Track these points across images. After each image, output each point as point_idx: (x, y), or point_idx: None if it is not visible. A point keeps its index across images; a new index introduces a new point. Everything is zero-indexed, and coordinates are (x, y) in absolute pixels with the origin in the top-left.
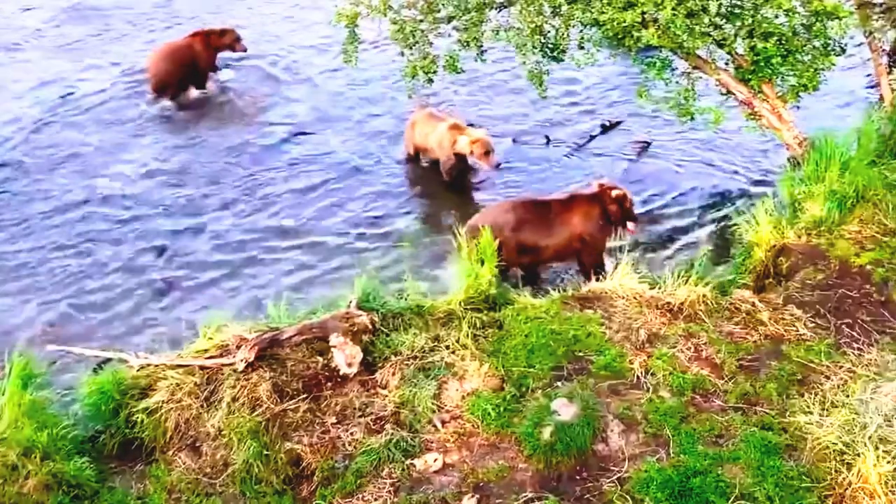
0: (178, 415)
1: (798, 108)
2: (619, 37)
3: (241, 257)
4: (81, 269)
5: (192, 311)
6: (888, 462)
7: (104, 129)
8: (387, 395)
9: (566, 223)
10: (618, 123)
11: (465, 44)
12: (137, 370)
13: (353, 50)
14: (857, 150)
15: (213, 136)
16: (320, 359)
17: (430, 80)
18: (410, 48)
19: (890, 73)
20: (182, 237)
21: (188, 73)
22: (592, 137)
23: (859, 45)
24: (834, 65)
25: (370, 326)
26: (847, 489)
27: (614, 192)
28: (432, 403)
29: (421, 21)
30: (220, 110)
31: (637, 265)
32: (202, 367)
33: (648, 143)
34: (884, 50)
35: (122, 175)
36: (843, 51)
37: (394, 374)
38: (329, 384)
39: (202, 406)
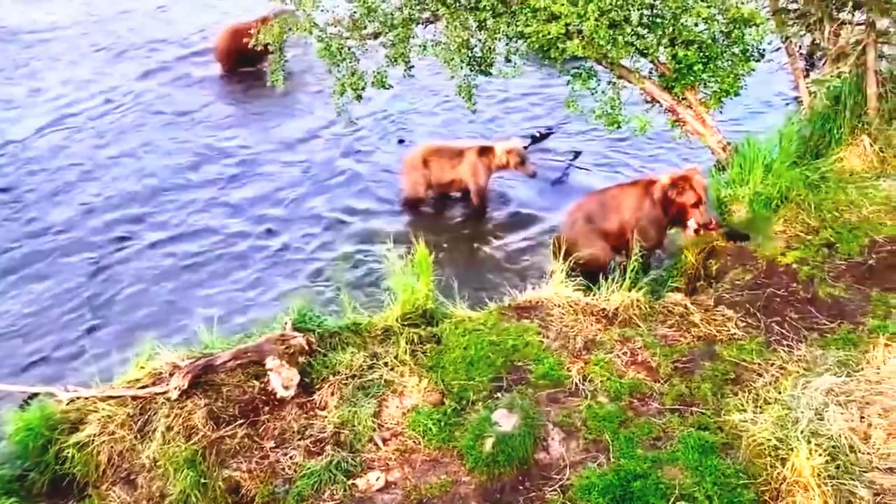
0: (111, 448)
1: (721, 113)
2: (545, 49)
3: (172, 282)
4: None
5: (123, 339)
6: (820, 455)
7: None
8: (326, 416)
9: (616, 209)
10: (548, 134)
11: (392, 60)
12: (66, 404)
13: (281, 71)
14: (779, 152)
15: (144, 160)
16: (257, 383)
17: (359, 97)
18: (338, 66)
19: (807, 76)
20: (111, 263)
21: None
22: (524, 149)
23: (777, 49)
24: (753, 70)
25: (307, 347)
26: (782, 484)
27: (661, 181)
28: (372, 422)
29: (347, 38)
30: (138, 130)
31: (572, 272)
32: (134, 398)
33: (579, 153)
34: (801, 54)
35: (50, 200)
36: (762, 56)
37: (332, 394)
38: (266, 408)
39: (136, 437)
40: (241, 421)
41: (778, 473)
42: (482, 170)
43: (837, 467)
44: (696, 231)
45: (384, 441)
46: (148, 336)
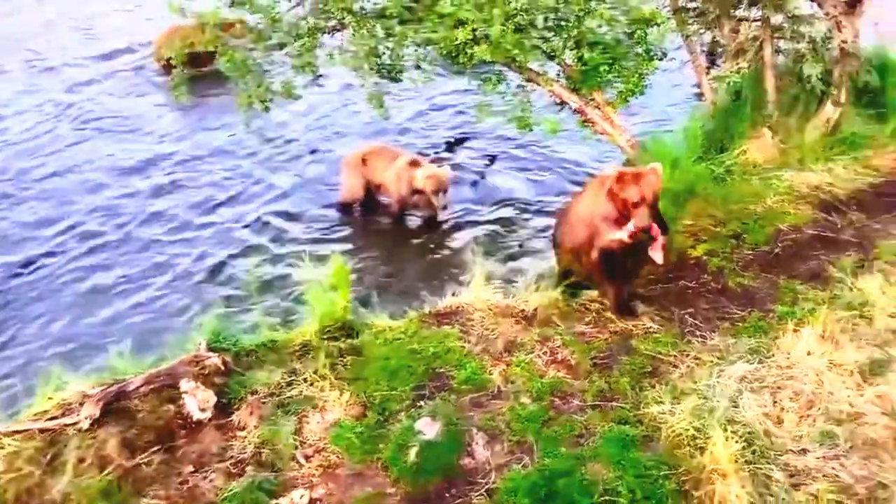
0: (18, 485)
1: (628, 112)
2: (454, 54)
3: (81, 307)
4: None
5: (28, 370)
6: (736, 441)
7: None
8: (245, 437)
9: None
10: (463, 140)
11: (299, 69)
12: None
13: (184, 87)
14: (685, 148)
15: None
16: (172, 407)
17: (267, 109)
18: (244, 78)
19: (708, 72)
20: (15, 287)
21: None
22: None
23: (678, 48)
24: (657, 69)
25: (222, 367)
26: (702, 472)
27: (609, 174)
28: (294, 439)
29: (252, 50)
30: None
31: (492, 276)
32: (42, 430)
33: (494, 157)
34: (703, 51)
35: None
36: (665, 55)
37: (251, 413)
38: (183, 432)
39: (44, 472)
40: (158, 447)
41: (697, 462)
42: (405, 182)
43: (754, 452)
44: (631, 235)
45: (307, 458)
46: (56, 365)
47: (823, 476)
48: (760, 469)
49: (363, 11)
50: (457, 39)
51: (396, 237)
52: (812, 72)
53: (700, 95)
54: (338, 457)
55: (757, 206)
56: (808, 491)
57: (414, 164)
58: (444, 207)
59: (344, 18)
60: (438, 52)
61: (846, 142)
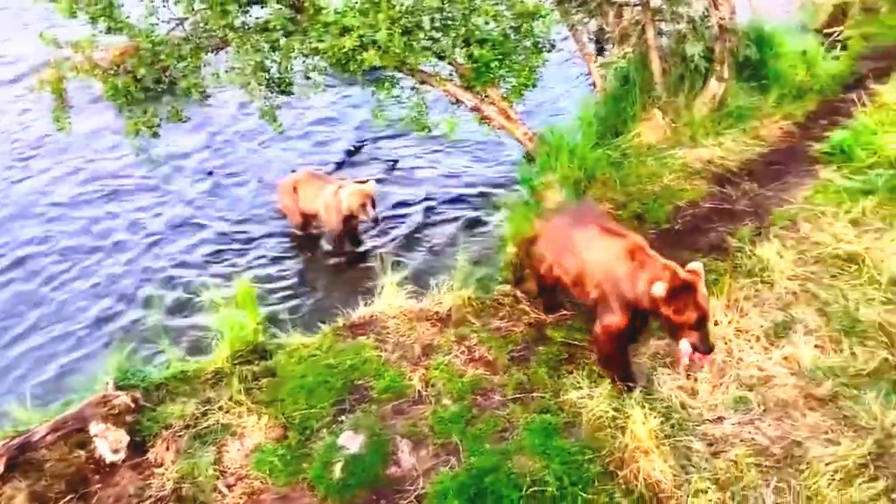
0: None
1: (524, 105)
2: (343, 62)
3: None
4: None
5: None
6: (655, 417)
7: None
8: (164, 473)
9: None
10: (361, 147)
11: (186, 92)
12: None
13: (64, 116)
14: (582, 136)
15: None
16: (82, 452)
17: (156, 135)
18: (128, 105)
19: (596, 59)
20: None
21: None
22: (339, 165)
23: (565, 38)
24: (547, 61)
25: (132, 405)
26: (625, 452)
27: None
28: (214, 470)
29: (134, 76)
30: None
31: (402, 282)
32: None
33: (395, 161)
34: (591, 39)
35: None
36: (553, 47)
37: (167, 449)
38: (97, 477)
39: None
40: (70, 496)
41: (619, 443)
42: (334, 210)
43: (672, 426)
44: (690, 359)
45: (229, 487)
46: None
47: (741, 441)
48: (680, 441)
49: (246, 26)
50: (344, 47)
51: (304, 254)
52: (694, 51)
53: (592, 84)
54: (261, 482)
55: (655, 186)
56: (728, 457)
57: (339, 189)
58: (375, 221)
59: (227, 35)
60: (327, 61)
61: (733, 115)
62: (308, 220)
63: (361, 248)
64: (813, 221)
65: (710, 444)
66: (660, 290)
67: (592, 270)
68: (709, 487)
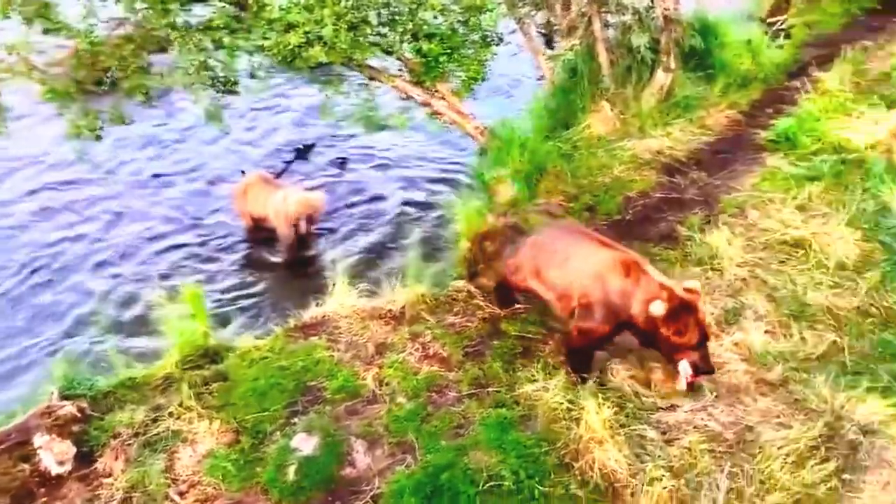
0: None
1: (475, 99)
2: (289, 59)
3: None
4: None
5: None
6: (609, 407)
7: None
8: (113, 484)
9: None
10: (312, 146)
11: (129, 93)
12: None
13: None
14: (532, 129)
15: None
16: (27, 465)
17: (98, 137)
18: (68, 107)
19: (545, 52)
20: None
21: None
22: (289, 164)
23: (512, 31)
24: (495, 54)
25: (79, 414)
26: (580, 443)
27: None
28: (165, 478)
29: (73, 77)
30: None
31: (355, 280)
32: None
33: (345, 159)
34: (540, 32)
35: None
36: (501, 40)
37: (116, 458)
38: (42, 490)
39: None
40: None
41: (574, 434)
42: (282, 217)
43: (627, 416)
44: (689, 381)
45: (181, 495)
46: None
47: (694, 428)
48: (634, 430)
49: (188, 25)
50: (290, 44)
51: (255, 256)
52: (640, 42)
53: (541, 77)
54: (214, 488)
55: (605, 178)
56: (682, 444)
57: (287, 195)
58: (308, 235)
59: (169, 35)
60: (272, 58)
61: (680, 105)
62: (258, 223)
63: (313, 249)
64: (760, 208)
65: (664, 432)
66: (659, 309)
67: (581, 280)
68: (663, 475)
